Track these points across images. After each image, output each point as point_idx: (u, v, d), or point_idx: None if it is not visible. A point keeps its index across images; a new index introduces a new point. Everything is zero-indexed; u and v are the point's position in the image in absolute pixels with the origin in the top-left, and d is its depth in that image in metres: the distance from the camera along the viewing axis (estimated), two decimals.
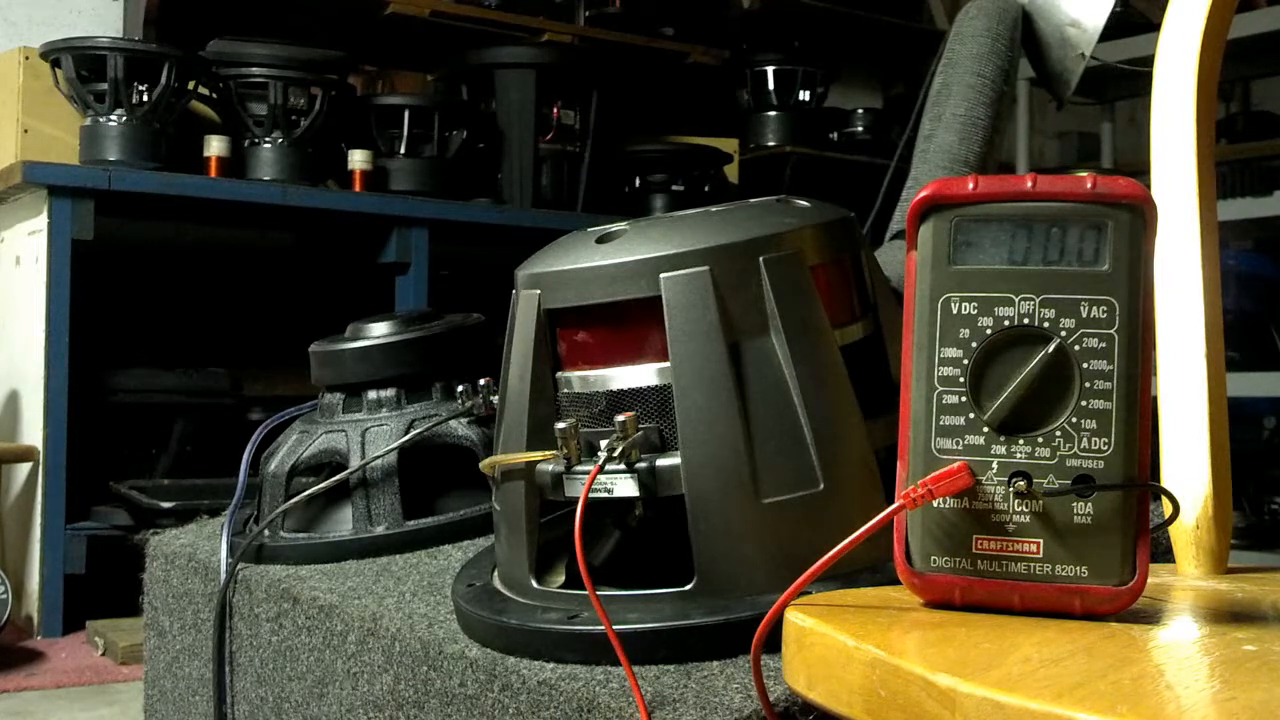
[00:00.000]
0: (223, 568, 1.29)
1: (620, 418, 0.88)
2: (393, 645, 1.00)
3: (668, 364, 0.89)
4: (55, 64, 2.74)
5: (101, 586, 2.49)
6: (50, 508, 2.54)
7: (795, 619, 0.66)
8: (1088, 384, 0.65)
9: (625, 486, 0.90)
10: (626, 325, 0.92)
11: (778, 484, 0.88)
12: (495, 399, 1.09)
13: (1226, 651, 0.60)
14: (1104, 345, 0.65)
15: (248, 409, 2.96)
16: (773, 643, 0.68)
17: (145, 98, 2.74)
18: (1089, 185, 0.65)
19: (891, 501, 0.67)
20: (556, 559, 1.03)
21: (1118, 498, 0.65)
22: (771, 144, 3.93)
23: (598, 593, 0.83)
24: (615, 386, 0.92)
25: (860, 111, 4.26)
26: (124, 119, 2.73)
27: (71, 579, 2.54)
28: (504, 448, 0.98)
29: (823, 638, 0.63)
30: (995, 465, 0.66)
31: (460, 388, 1.30)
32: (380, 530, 1.26)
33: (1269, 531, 3.26)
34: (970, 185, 0.67)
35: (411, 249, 3.00)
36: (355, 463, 1.28)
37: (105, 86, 2.71)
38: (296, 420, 1.41)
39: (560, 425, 0.91)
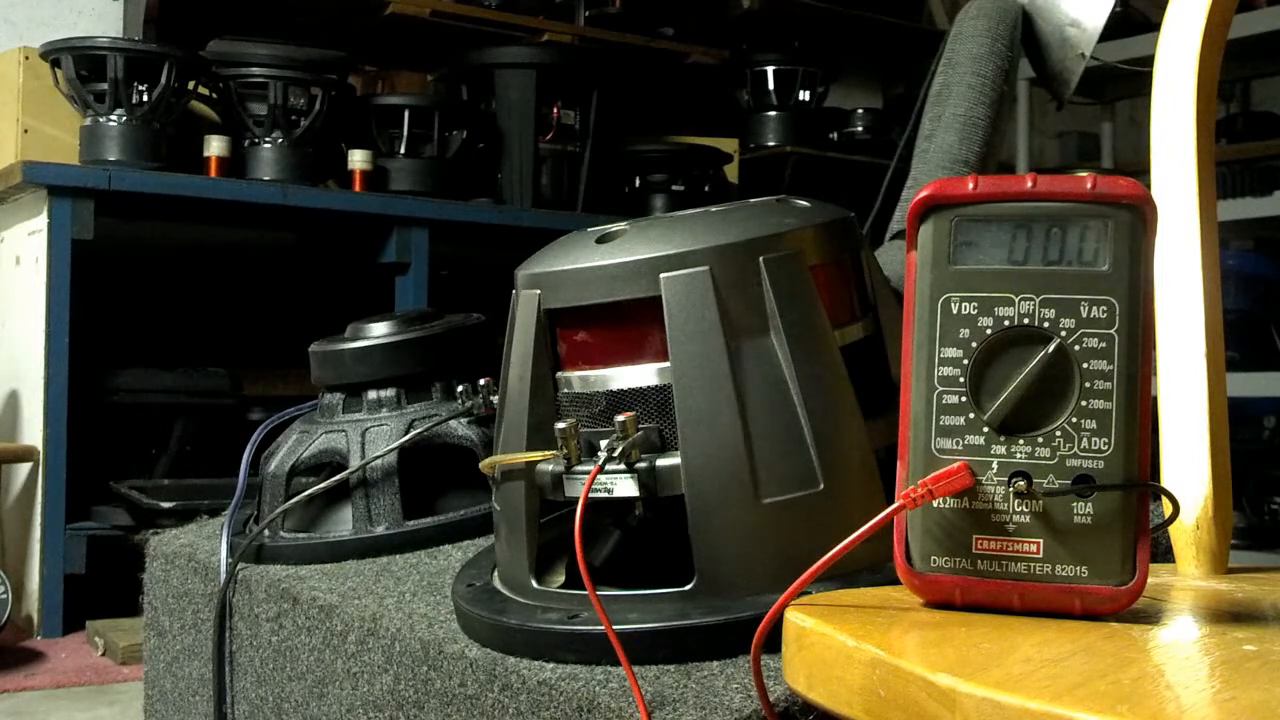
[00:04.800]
0: (223, 568, 1.29)
1: (620, 418, 0.88)
2: (393, 645, 1.00)
3: (668, 364, 0.89)
4: (55, 64, 2.74)
5: (101, 586, 2.49)
6: (50, 508, 2.54)
7: (795, 619, 0.66)
8: (1088, 384, 0.65)
9: (625, 486, 0.90)
10: (626, 325, 0.92)
11: (778, 484, 0.88)
12: (495, 399, 1.09)
13: (1226, 651, 0.60)
14: (1104, 345, 0.65)
15: (248, 409, 2.96)
16: (773, 643, 0.68)
17: (145, 98, 2.74)
18: (1089, 185, 0.65)
19: (891, 501, 0.67)
20: (556, 559, 1.03)
21: (1118, 498, 0.65)
22: (771, 144, 3.93)
23: (598, 593, 0.83)
24: (615, 386, 0.93)
25: (860, 111, 4.26)
26: (124, 119, 2.73)
27: (71, 579, 2.54)
28: (504, 448, 0.98)
29: (823, 638, 0.63)
30: (995, 465, 0.66)
31: (460, 388, 1.30)
32: (380, 530, 1.26)
33: (1269, 531, 3.26)
34: (970, 185, 0.67)
35: (411, 249, 3.00)
36: (355, 463, 1.28)
37: (105, 86, 2.71)
38: (296, 420, 1.41)
39: (560, 425, 0.91)
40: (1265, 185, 3.79)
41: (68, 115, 2.82)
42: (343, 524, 1.29)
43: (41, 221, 2.59)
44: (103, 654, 2.35)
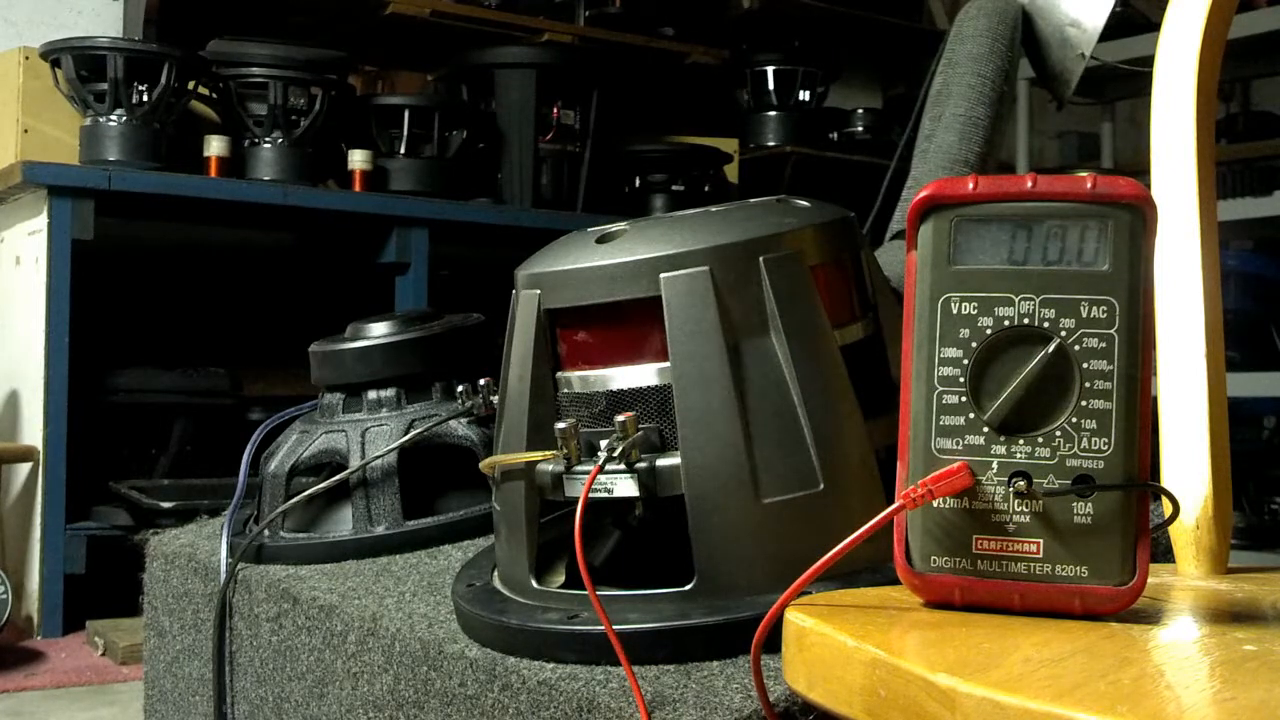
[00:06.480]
0: (223, 568, 1.29)
1: (620, 418, 0.88)
2: (393, 645, 1.00)
3: (668, 364, 0.89)
4: (55, 64, 2.74)
5: (101, 586, 2.49)
6: (50, 508, 2.54)
7: (795, 619, 0.66)
8: (1088, 384, 0.65)
9: (625, 486, 0.90)
10: (626, 325, 0.92)
11: (778, 484, 0.88)
12: (495, 399, 1.09)
13: (1226, 651, 0.60)
14: (1104, 345, 0.65)
15: (248, 409, 2.96)
16: (773, 643, 0.68)
17: (145, 98, 2.74)
18: (1089, 185, 0.65)
19: (891, 501, 0.67)
20: (556, 559, 1.03)
21: (1118, 498, 0.65)
22: (771, 144, 3.93)
23: (598, 593, 0.83)
24: (615, 386, 0.92)
25: (860, 111, 4.26)
26: (124, 119, 2.73)
27: (71, 579, 2.54)
28: (504, 448, 0.98)
29: (823, 638, 0.63)
30: (995, 465, 0.66)
31: (460, 388, 1.30)
32: (380, 530, 1.26)
33: (1269, 531, 3.26)
34: (970, 185, 0.67)
35: (411, 249, 3.00)
36: (355, 463, 1.28)
37: (105, 86, 2.71)
38: (296, 420, 1.41)
39: (560, 425, 0.91)
40: (1265, 185, 3.79)
41: (68, 115, 2.82)
42: (343, 524, 1.29)
43: (41, 221, 2.59)
44: (103, 654, 2.35)
